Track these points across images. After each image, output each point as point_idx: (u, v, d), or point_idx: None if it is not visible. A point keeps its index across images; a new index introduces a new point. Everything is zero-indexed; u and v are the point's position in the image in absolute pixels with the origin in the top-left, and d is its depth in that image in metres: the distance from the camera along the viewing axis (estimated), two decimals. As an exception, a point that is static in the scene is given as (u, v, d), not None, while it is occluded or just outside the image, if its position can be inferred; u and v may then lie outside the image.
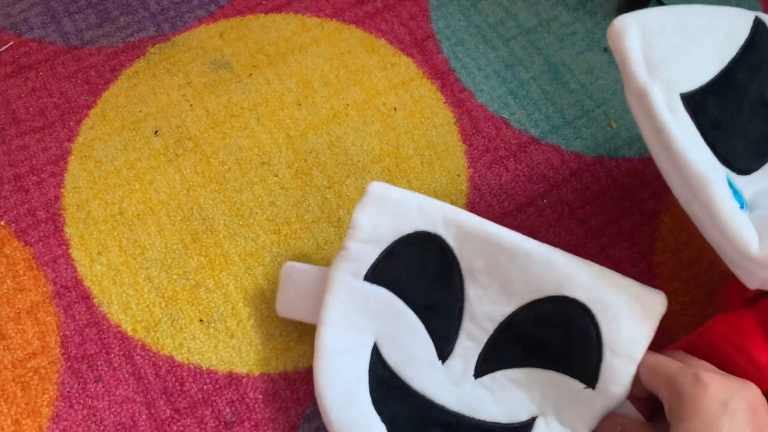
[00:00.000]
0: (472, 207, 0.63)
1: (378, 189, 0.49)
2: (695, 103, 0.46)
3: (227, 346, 0.56)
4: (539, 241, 0.48)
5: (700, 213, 0.42)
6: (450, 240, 0.49)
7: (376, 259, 0.49)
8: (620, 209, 0.63)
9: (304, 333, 0.57)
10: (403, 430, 0.47)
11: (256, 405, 0.54)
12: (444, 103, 0.68)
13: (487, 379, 0.48)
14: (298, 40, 0.70)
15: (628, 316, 0.44)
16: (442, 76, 0.69)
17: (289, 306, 0.54)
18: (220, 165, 0.63)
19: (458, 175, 0.64)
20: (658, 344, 0.56)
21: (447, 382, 0.49)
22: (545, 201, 0.64)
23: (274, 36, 0.71)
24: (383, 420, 0.47)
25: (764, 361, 0.42)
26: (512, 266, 0.48)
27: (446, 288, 0.49)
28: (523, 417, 0.47)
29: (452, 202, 0.63)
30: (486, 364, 0.49)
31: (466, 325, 0.49)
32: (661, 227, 0.62)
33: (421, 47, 0.71)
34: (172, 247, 0.60)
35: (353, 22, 0.72)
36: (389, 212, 0.48)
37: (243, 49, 0.70)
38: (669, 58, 0.45)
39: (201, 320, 0.57)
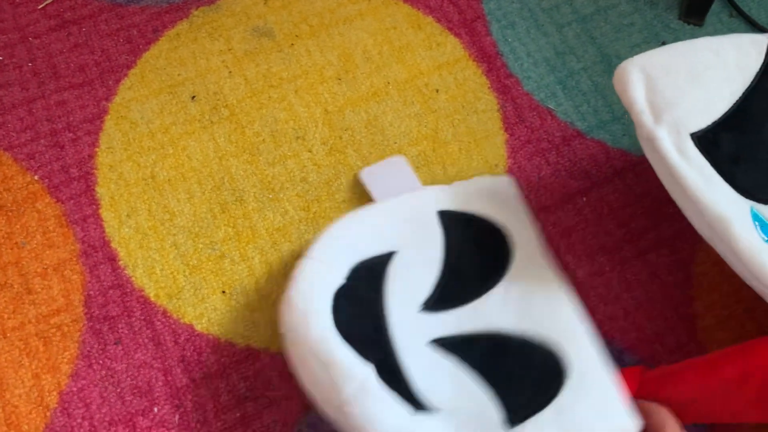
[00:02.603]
0: (508, 199, 0.61)
1: None
2: (708, 141, 0.45)
3: (247, 321, 0.56)
4: None
5: (723, 250, 0.42)
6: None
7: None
8: (663, 214, 0.61)
9: (326, 314, 0.56)
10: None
11: (271, 382, 0.53)
12: (488, 88, 0.65)
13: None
14: (343, 11, 0.69)
15: None
16: (489, 59, 0.67)
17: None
18: (254, 136, 0.62)
19: (496, 165, 0.62)
20: (689, 354, 0.54)
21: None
22: (585, 199, 0.61)
23: (319, 6, 0.69)
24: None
25: None
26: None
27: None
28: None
29: (488, 192, 0.61)
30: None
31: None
32: (705, 236, 0.59)
33: (469, 27, 0.68)
34: (200, 216, 0.59)
35: (401, -4, 0.69)
36: None
37: (287, 17, 0.68)
38: (676, 100, 0.45)
39: (223, 291, 0.57)
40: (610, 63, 0.67)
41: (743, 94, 0.47)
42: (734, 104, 0.47)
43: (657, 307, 0.57)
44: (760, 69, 0.48)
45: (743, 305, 0.57)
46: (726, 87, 0.47)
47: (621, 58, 0.67)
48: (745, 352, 0.44)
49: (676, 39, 0.68)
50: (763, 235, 0.42)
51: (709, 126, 0.46)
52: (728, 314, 0.57)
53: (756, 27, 0.69)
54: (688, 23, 0.69)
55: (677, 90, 0.45)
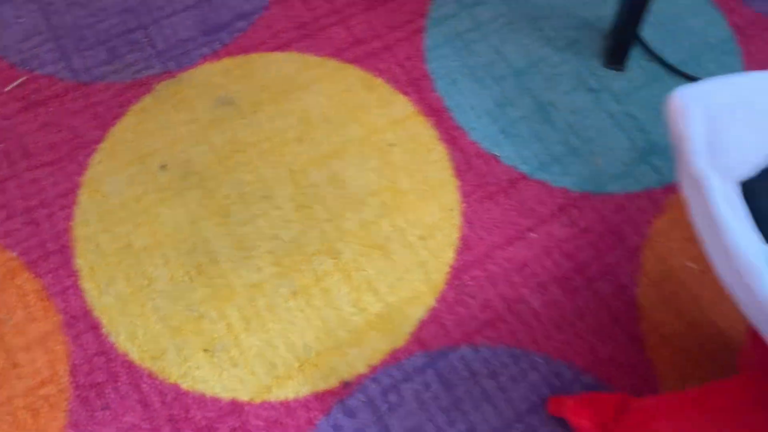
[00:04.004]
0: (465, 241, 0.66)
1: None
2: (753, 191, 0.44)
3: (230, 375, 0.58)
4: None
5: (746, 299, 0.42)
6: None
7: None
8: (606, 244, 0.67)
9: (306, 363, 0.59)
10: None
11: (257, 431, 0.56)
12: (438, 139, 0.71)
13: None
14: (300, 78, 0.74)
15: None
16: (437, 113, 0.73)
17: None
18: (224, 199, 0.66)
19: (451, 210, 0.68)
20: (641, 372, 0.60)
21: None
22: (534, 235, 0.67)
23: (276, 74, 0.74)
24: None
25: None
26: None
27: None
28: None
29: (446, 236, 0.66)
30: None
31: None
32: (644, 262, 0.66)
33: (416, 86, 0.74)
34: (177, 279, 0.62)
35: (352, 61, 0.75)
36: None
37: (247, 86, 0.73)
38: (732, 144, 0.43)
39: (205, 350, 0.59)
40: (545, 110, 0.74)
41: None
42: None
43: (607, 331, 0.62)
44: None
45: (685, 321, 0.63)
46: None
47: (555, 105, 0.74)
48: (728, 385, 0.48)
49: (602, 84, 0.76)
50: None
51: (759, 174, 0.45)
52: (671, 331, 0.62)
53: (671, 69, 0.77)
54: (612, 69, 0.77)
55: (736, 134, 0.44)
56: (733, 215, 0.42)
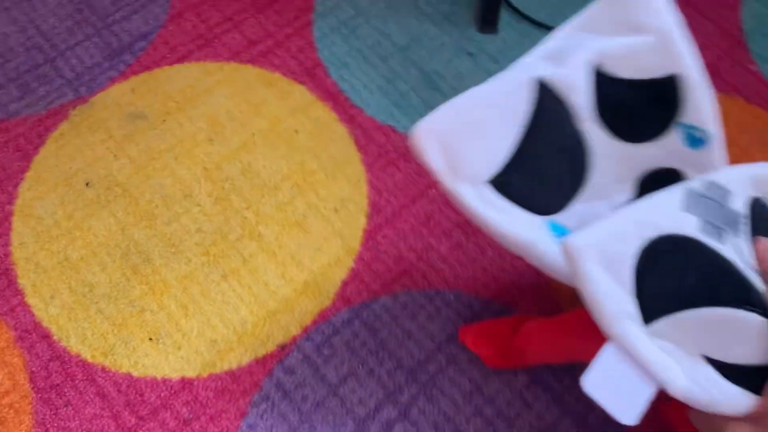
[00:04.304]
0: (374, 206, 0.73)
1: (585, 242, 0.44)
2: (502, 182, 0.51)
3: (177, 357, 0.65)
4: None
5: (539, 263, 0.49)
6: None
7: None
8: (497, 187, 0.74)
9: (244, 335, 0.66)
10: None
11: (208, 401, 0.63)
12: (338, 120, 0.78)
13: None
14: (202, 84, 0.80)
15: None
16: (333, 97, 0.80)
17: None
18: (147, 204, 0.72)
19: (358, 180, 0.75)
20: (543, 294, 0.68)
21: None
22: (433, 191, 0.74)
23: (180, 84, 0.80)
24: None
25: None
26: None
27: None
28: None
29: (356, 205, 0.73)
30: None
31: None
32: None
33: (311, 74, 0.81)
34: (116, 281, 0.68)
35: (249, 61, 0.81)
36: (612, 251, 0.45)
37: (154, 99, 0.79)
38: (467, 156, 0.49)
39: (150, 339, 0.65)
40: (431, 79, 0.81)
41: (520, 141, 0.52)
42: (516, 146, 0.51)
43: (508, 261, 0.70)
44: (532, 109, 0.52)
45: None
46: (504, 132, 0.52)
47: (439, 74, 0.82)
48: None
49: (479, 49, 0.84)
50: (559, 236, 0.50)
51: (500, 171, 0.51)
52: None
53: (540, 25, 0.86)
54: (486, 33, 0.85)
55: (466, 148, 0.50)
56: (492, 209, 0.49)
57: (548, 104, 0.54)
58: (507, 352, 0.61)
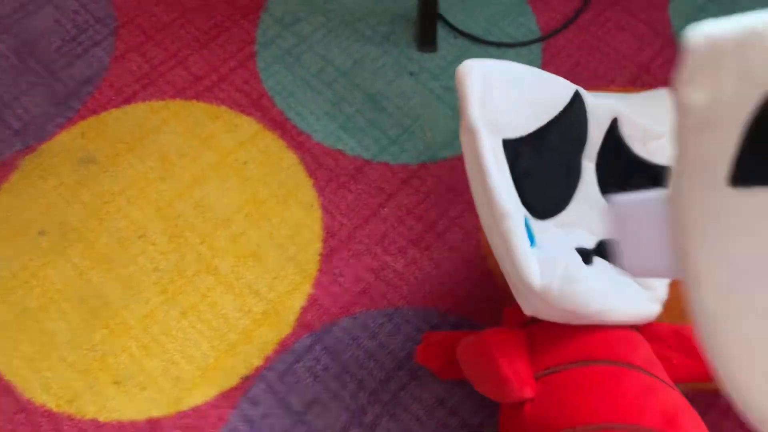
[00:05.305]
0: (328, 230, 0.75)
1: (702, 35, 0.27)
2: (513, 150, 0.52)
3: (142, 398, 0.65)
4: None
5: (499, 243, 0.49)
6: None
7: (738, 148, 0.28)
8: (448, 201, 0.76)
9: (207, 370, 0.67)
10: None
11: (176, 439, 0.63)
12: (287, 148, 0.80)
13: None
14: (150, 123, 0.81)
15: None
16: (281, 126, 0.81)
17: (641, 261, 0.36)
18: (103, 247, 0.73)
19: (311, 206, 0.76)
20: (498, 302, 0.69)
21: None
22: (385, 209, 0.76)
23: (129, 125, 0.81)
24: None
25: (522, 372, 0.51)
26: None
27: None
28: None
29: (310, 230, 0.74)
30: None
31: None
32: (481, 208, 0.76)
33: (257, 105, 0.82)
34: (76, 328, 0.68)
35: (195, 97, 0.83)
36: (732, 64, 0.27)
37: (104, 142, 0.79)
38: (502, 108, 0.51)
39: (115, 382, 0.66)
40: (375, 101, 0.83)
41: (546, 123, 0.54)
42: (539, 128, 0.53)
43: (462, 273, 0.72)
44: (564, 108, 0.55)
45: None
46: (539, 113, 0.54)
47: (383, 94, 0.83)
48: (488, 334, 0.57)
49: (420, 67, 0.86)
50: (529, 241, 0.49)
51: (517, 138, 0.52)
52: (514, 260, 0.73)
53: (477, 40, 0.88)
54: (425, 51, 0.87)
55: (506, 101, 0.51)
56: (495, 163, 0.50)
57: (577, 116, 0.57)
58: (456, 364, 0.63)
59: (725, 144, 0.28)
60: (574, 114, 0.56)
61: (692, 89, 0.29)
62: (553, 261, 0.49)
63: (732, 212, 0.29)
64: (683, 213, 0.30)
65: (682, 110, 0.29)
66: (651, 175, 0.62)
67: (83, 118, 0.81)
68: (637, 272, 0.37)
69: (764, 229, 0.28)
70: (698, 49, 0.29)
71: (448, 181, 0.78)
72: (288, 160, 0.79)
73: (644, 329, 0.56)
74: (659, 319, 0.57)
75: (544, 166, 0.54)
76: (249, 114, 0.82)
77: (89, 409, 0.65)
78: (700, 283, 0.30)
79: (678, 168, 0.31)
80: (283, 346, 0.68)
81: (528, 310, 0.51)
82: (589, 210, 0.59)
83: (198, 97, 0.83)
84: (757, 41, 0.27)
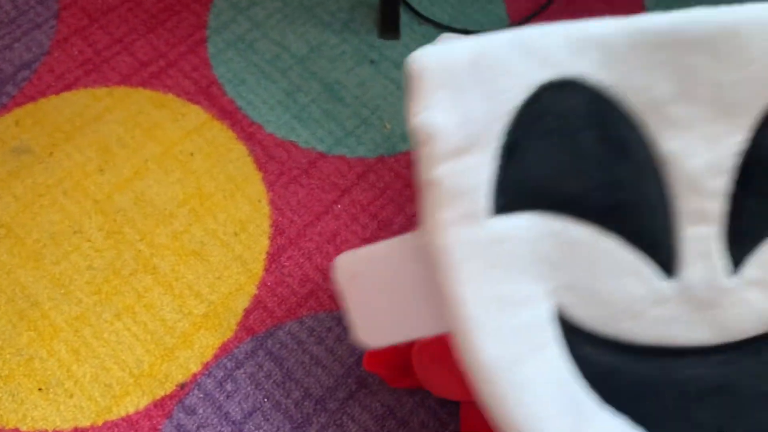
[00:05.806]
0: (276, 227, 0.70)
1: (432, 59, 0.29)
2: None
3: (68, 406, 0.61)
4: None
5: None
6: (595, 76, 0.30)
7: (494, 172, 0.29)
8: (404, 197, 0.72)
9: (140, 376, 0.62)
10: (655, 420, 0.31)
11: (103, 451, 0.59)
12: (236, 139, 0.75)
13: (753, 266, 0.30)
14: (91, 111, 0.76)
15: None
16: (231, 115, 0.76)
17: (379, 325, 0.35)
18: (34, 243, 0.68)
19: (259, 201, 0.72)
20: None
21: (688, 309, 0.30)
22: (339, 206, 0.72)
23: (68, 113, 0.76)
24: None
25: None
26: (719, 63, 0.30)
27: (625, 159, 0.30)
28: None
29: (257, 227, 0.70)
30: (743, 241, 0.30)
31: (683, 202, 0.30)
32: (440, 205, 0.72)
33: (206, 93, 0.78)
34: (1, 329, 0.64)
35: (140, 84, 0.78)
36: (473, 85, 0.29)
37: (40, 131, 0.74)
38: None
39: (40, 389, 0.61)
40: (333, 90, 0.79)
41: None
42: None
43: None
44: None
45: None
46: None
47: (341, 84, 0.79)
48: None
49: (381, 55, 0.81)
50: None
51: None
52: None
53: (443, 28, 0.84)
54: (387, 38, 0.82)
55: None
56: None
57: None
58: (408, 371, 0.59)
59: (482, 169, 0.28)
60: None
61: (437, 112, 0.29)
62: None
63: (497, 243, 0.28)
64: (447, 255, 0.29)
65: (429, 138, 0.29)
66: None
67: (19, 105, 0.76)
68: (378, 339, 0.36)
69: (527, 256, 0.28)
70: (432, 74, 0.30)
71: (405, 176, 0.73)
72: (237, 152, 0.74)
73: None
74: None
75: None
76: (197, 102, 0.77)
77: (11, 418, 0.60)
78: (478, 329, 0.29)
79: (431, 204, 0.30)
80: (224, 351, 0.64)
81: None
82: None
83: (143, 84, 0.78)
84: (492, 61, 0.28)
